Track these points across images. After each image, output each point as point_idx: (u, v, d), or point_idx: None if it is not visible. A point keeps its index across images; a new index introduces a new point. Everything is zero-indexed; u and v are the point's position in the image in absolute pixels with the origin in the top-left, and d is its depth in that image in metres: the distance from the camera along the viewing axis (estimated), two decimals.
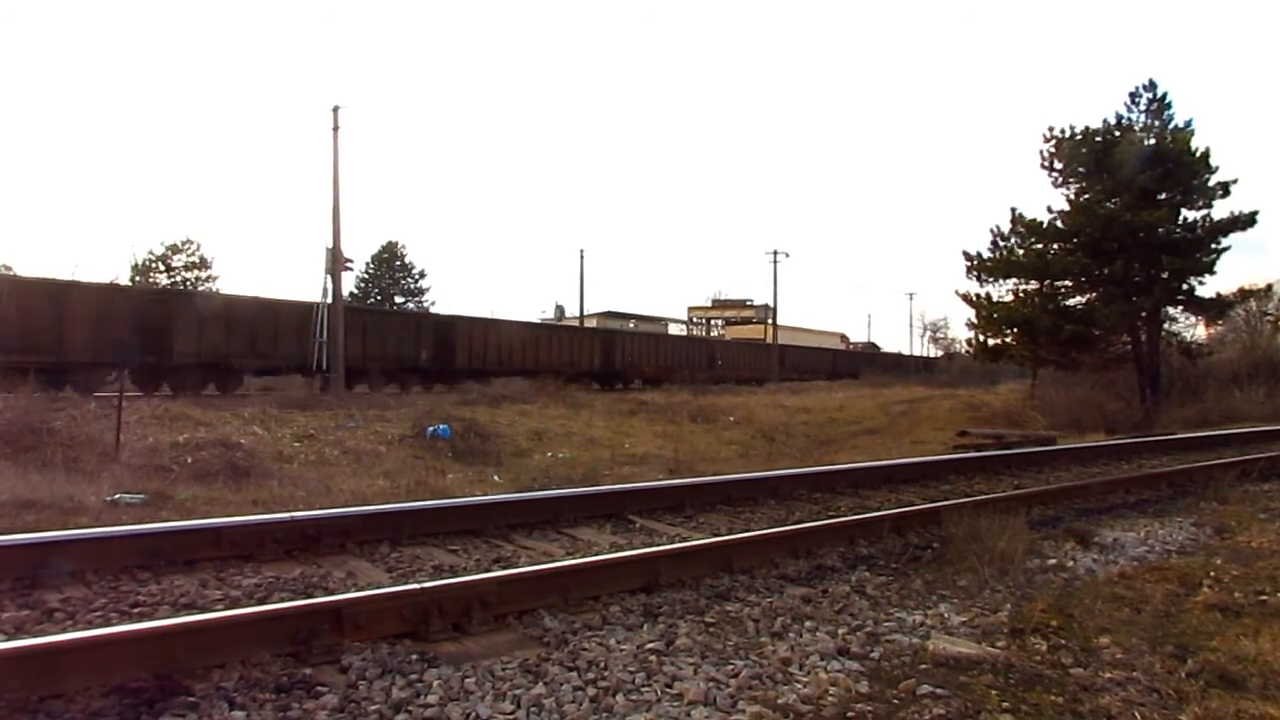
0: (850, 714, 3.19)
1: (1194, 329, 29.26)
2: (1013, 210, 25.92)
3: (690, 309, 79.24)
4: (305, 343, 25.39)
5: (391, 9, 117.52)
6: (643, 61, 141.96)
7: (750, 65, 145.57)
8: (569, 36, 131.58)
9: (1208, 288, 25.79)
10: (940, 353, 75.26)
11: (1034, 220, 25.74)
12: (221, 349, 23.55)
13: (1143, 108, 25.98)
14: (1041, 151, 25.83)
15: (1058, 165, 25.72)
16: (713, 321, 77.79)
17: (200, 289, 24.50)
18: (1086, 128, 25.35)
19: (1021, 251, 26.04)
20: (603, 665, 3.55)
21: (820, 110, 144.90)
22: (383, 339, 28.51)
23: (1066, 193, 25.91)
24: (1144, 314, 25.02)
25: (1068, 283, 26.15)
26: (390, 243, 61.90)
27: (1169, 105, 25.87)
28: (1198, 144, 24.50)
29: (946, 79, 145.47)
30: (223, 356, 23.61)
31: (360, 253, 67.05)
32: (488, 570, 5.01)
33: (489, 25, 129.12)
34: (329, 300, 26.65)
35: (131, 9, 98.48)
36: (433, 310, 33.00)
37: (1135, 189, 23.78)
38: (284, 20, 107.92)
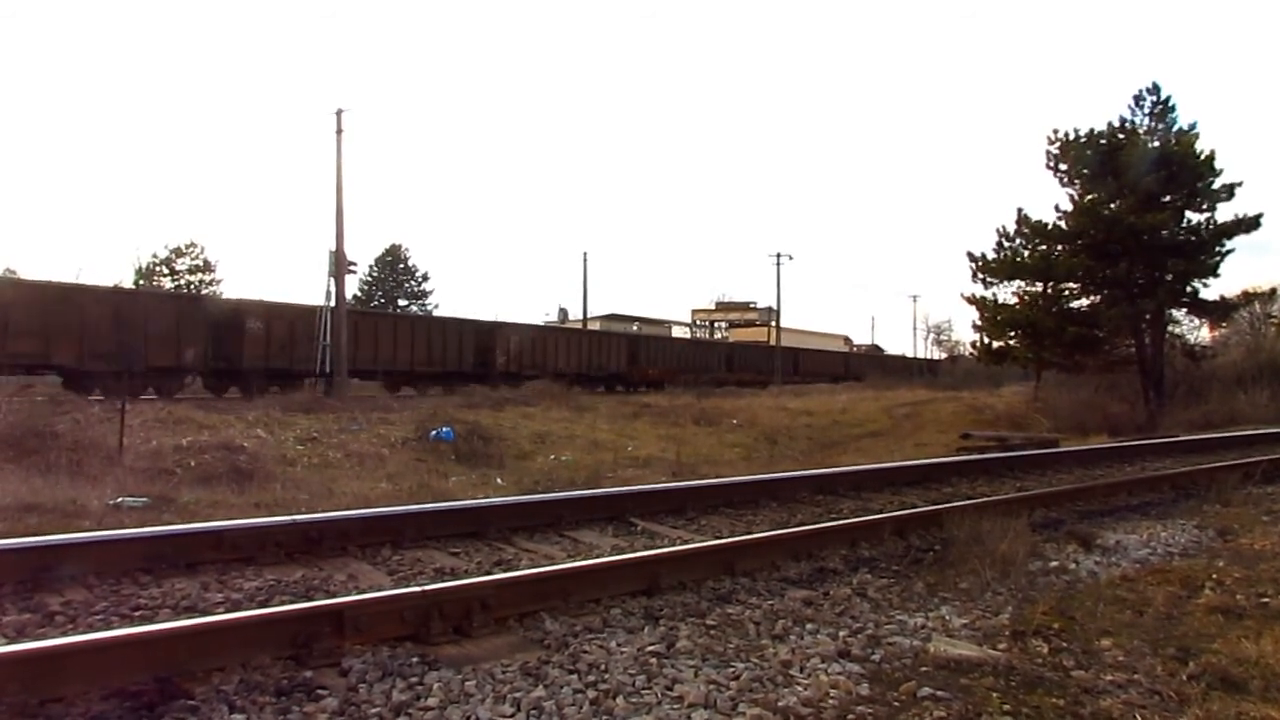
0: (850, 716, 3.19)
1: (1198, 331, 29.32)
2: (1019, 211, 26.01)
3: (694, 311, 79.14)
4: (368, 349, 27.53)
5: (393, 11, 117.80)
6: (644, 63, 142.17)
7: (752, 66, 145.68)
8: (571, 38, 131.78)
9: (1212, 290, 25.84)
10: (944, 355, 75.18)
11: (1038, 222, 25.78)
12: (286, 355, 24.97)
13: (1147, 110, 26.00)
14: (1047, 153, 25.88)
15: (1062, 167, 25.74)
16: (716, 324, 77.72)
17: (263, 299, 25.87)
18: (1091, 130, 25.40)
19: (1026, 253, 26.06)
20: (603, 668, 3.55)
21: (823, 112, 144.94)
22: (428, 344, 29.94)
23: (1071, 194, 25.96)
24: (1148, 316, 25.01)
25: (1072, 285, 26.18)
26: (394, 245, 62.11)
27: (1173, 108, 25.93)
28: (1202, 147, 24.56)
29: (949, 80, 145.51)
30: (287, 362, 25.06)
31: (364, 256, 67.45)
32: (489, 573, 5.00)
33: (491, 27, 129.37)
34: (333, 303, 26.78)
35: (134, 11, 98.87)
36: (472, 318, 34.74)
37: (1140, 191, 23.77)
38: (287, 23, 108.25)
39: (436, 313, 52.59)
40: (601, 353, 38.95)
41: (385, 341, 28.27)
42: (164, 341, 22.30)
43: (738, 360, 49.05)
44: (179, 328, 22.64)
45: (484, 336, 32.44)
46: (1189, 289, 25.15)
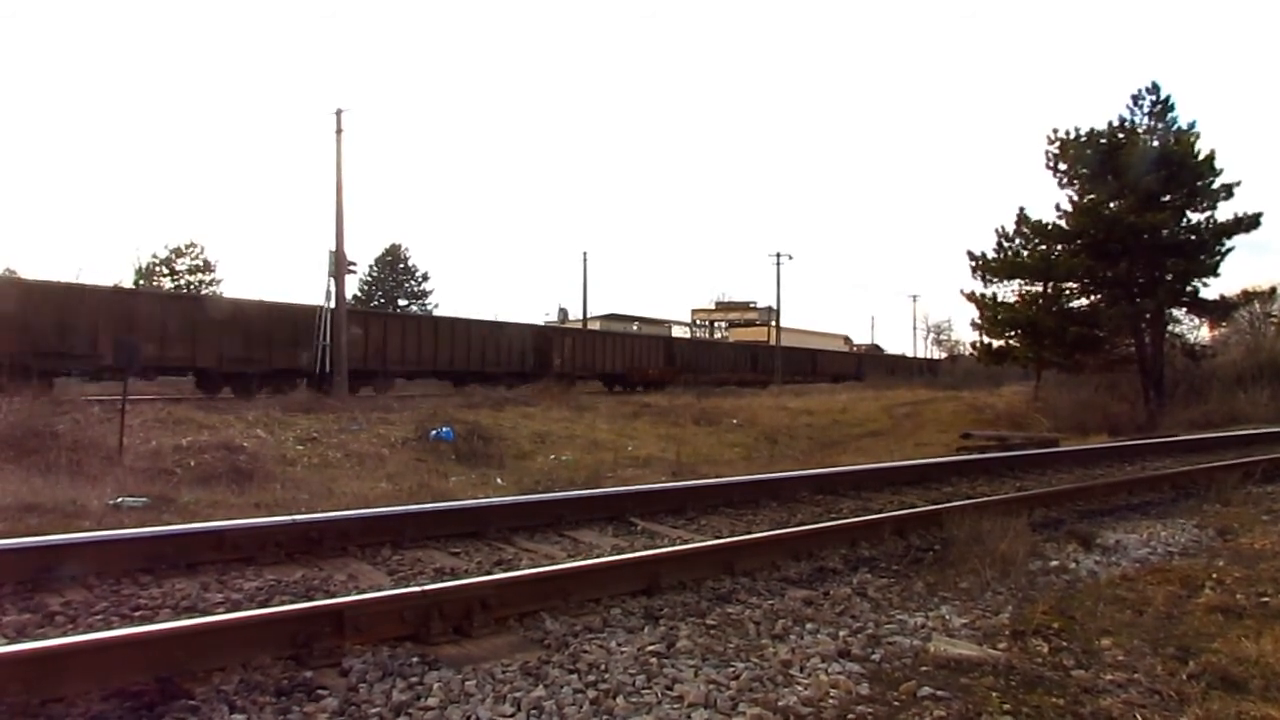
0: (851, 716, 3.19)
1: (1198, 331, 29.25)
2: (1019, 210, 25.98)
3: (694, 311, 79.12)
4: (445, 350, 30.67)
5: (393, 11, 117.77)
6: (644, 62, 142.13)
7: (752, 66, 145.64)
8: (570, 38, 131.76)
9: (1211, 289, 25.77)
10: (944, 355, 75.17)
11: (1038, 221, 25.75)
12: (380, 357, 28.28)
13: (1146, 110, 25.95)
14: (1046, 153, 25.85)
15: (1062, 166, 25.72)
16: (716, 324, 77.69)
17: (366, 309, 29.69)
18: (1091, 130, 25.35)
19: (1026, 253, 26.04)
20: (603, 667, 3.55)
21: (823, 111, 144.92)
22: (496, 347, 33.26)
23: (1071, 193, 25.92)
24: (1148, 316, 24.98)
25: (1072, 284, 26.15)
26: (393, 245, 62.09)
27: (1172, 108, 25.85)
28: (1202, 146, 24.50)
29: (949, 79, 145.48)
30: (380, 363, 28.21)
31: (363, 255, 67.51)
32: (489, 573, 5.00)
33: (491, 27, 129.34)
34: (333, 303, 26.82)
35: (133, 10, 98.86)
36: (533, 323, 39.92)
37: (1140, 191, 23.74)
38: (287, 22, 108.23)
39: (436, 312, 52.82)
40: (642, 355, 42.17)
41: (460, 344, 31.53)
42: (285, 346, 25.26)
43: (761, 361, 51.75)
44: (296, 334, 25.51)
45: (543, 340, 36.11)
46: (1189, 288, 25.11)
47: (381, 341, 28.15)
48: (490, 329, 33.95)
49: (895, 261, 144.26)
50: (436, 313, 51.83)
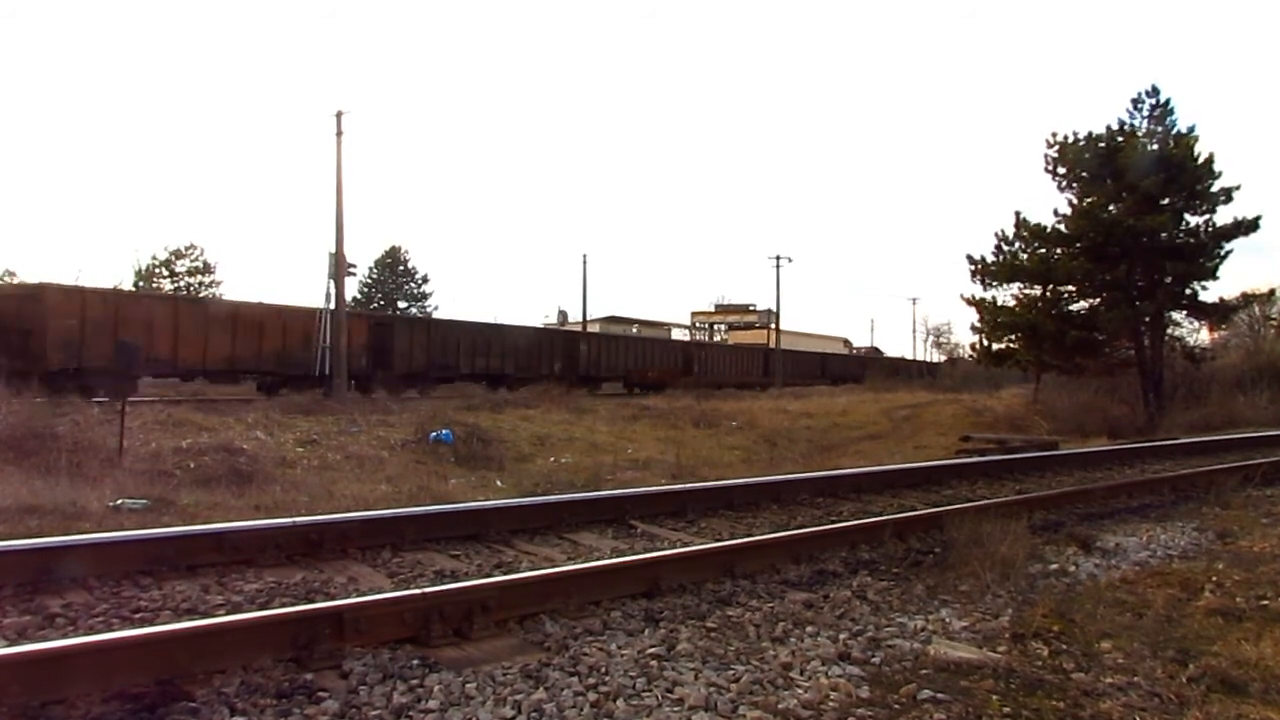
0: (850, 719, 3.19)
1: (1197, 334, 29.19)
2: (1016, 214, 25.89)
3: (693, 314, 79.19)
4: (617, 359, 41.23)
5: (393, 11, 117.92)
6: (643, 63, 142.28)
7: (751, 68, 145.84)
8: (570, 39, 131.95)
9: (1211, 292, 25.72)
10: (943, 357, 75.13)
11: (1037, 224, 25.70)
12: (596, 364, 39.53)
13: (1145, 113, 25.91)
14: (1045, 156, 25.82)
15: (1061, 170, 25.70)
16: (715, 326, 77.71)
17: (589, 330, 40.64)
18: (1090, 133, 25.32)
19: (1025, 256, 26.01)
20: (604, 670, 3.55)
21: (822, 113, 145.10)
22: (661, 355, 44.01)
23: (1070, 197, 25.90)
24: (1147, 319, 24.95)
25: (1071, 287, 26.11)
26: (393, 247, 62.08)
27: (1171, 111, 25.80)
28: (1201, 149, 24.47)
29: (948, 81, 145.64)
30: (595, 370, 39.33)
31: (363, 257, 67.58)
32: (489, 575, 5.01)
33: (491, 28, 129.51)
34: (332, 305, 26.85)
35: (133, 11, 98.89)
36: (681, 338, 49.94)
37: (1139, 194, 23.73)
38: (287, 23, 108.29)
39: (436, 314, 53.18)
40: (748, 363, 50.93)
41: (641, 353, 43.34)
42: (544, 358, 36.59)
43: (830, 367, 57.85)
44: (549, 349, 37.40)
45: (688, 350, 47.77)
46: (1188, 291, 25.06)
47: (596, 355, 39.98)
48: (652, 343, 46.99)
49: (894, 264, 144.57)
50: (436, 315, 52.22)
